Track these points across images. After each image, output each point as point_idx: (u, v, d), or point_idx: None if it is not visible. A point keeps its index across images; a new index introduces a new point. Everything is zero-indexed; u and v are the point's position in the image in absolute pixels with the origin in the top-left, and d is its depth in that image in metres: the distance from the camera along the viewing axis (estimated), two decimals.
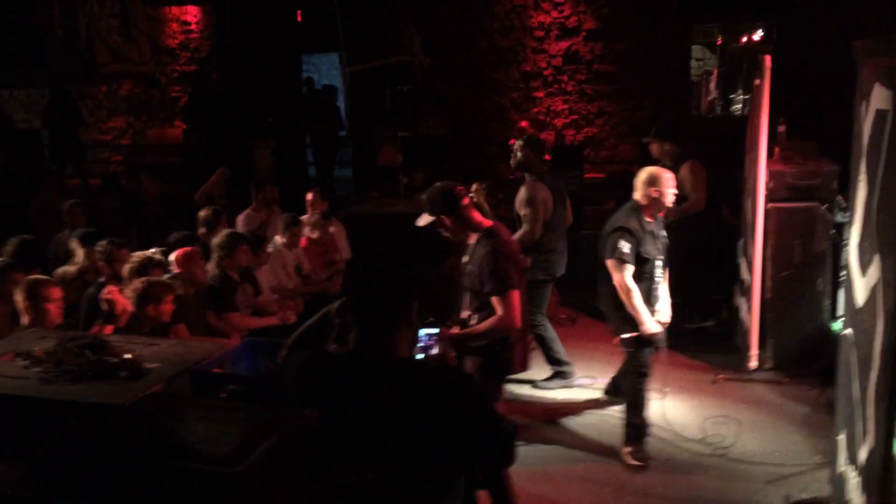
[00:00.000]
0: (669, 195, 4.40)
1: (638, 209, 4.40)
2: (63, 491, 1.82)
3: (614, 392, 5.29)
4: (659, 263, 4.46)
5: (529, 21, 10.73)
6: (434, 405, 2.02)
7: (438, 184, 3.72)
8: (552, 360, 5.62)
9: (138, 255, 4.75)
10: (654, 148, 6.35)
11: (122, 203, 7.82)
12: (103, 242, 5.08)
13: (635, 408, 4.58)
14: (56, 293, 4.10)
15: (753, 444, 4.71)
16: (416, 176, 8.76)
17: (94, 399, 2.88)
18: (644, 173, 4.43)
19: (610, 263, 4.35)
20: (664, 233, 4.57)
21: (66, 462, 1.87)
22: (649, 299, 4.44)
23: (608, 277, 4.42)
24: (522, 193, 5.50)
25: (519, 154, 5.51)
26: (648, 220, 4.41)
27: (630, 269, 4.31)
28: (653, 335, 4.42)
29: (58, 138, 11.34)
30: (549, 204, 5.43)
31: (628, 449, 4.55)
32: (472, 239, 3.67)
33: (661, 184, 4.34)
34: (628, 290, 4.31)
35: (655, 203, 4.38)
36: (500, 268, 3.49)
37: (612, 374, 5.37)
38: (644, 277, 4.40)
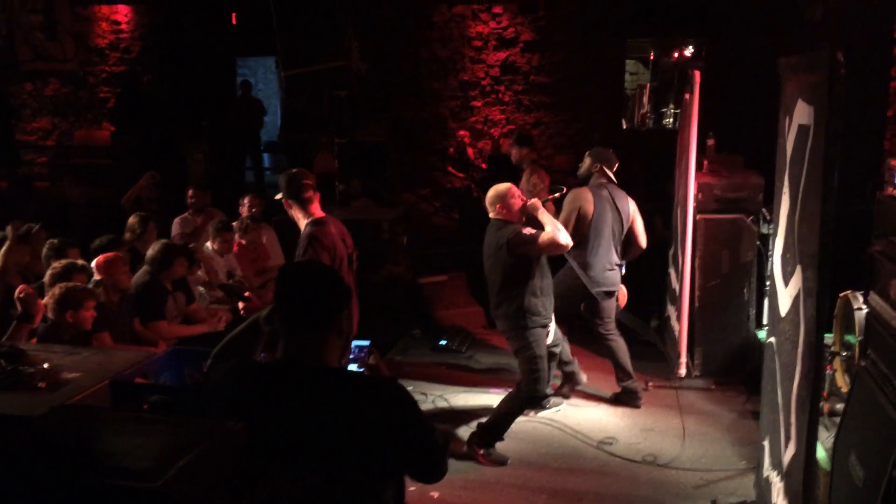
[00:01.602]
0: (516, 203, 4.62)
1: (504, 223, 4.59)
2: None
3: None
4: (543, 261, 4.68)
5: (468, 31, 10.79)
6: (364, 415, 1.98)
7: (294, 170, 4.14)
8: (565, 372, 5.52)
9: (60, 262, 4.58)
10: (514, 153, 6.74)
11: (41, 207, 7.55)
12: (54, 241, 5.08)
13: (511, 415, 4.67)
14: None
15: (682, 450, 4.80)
16: (352, 183, 8.69)
17: (7, 410, 2.76)
18: (489, 194, 4.68)
19: (539, 246, 4.44)
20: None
21: None
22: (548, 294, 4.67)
23: (497, 291, 4.61)
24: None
25: (584, 163, 5.48)
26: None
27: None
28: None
29: None
30: (587, 213, 5.21)
31: (481, 451, 4.48)
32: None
33: (505, 198, 4.61)
34: (557, 230, 4.43)
35: (509, 213, 4.62)
36: (312, 250, 3.86)
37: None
38: (541, 276, 4.61)
